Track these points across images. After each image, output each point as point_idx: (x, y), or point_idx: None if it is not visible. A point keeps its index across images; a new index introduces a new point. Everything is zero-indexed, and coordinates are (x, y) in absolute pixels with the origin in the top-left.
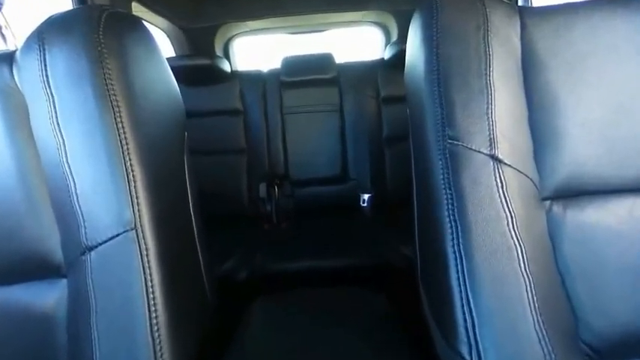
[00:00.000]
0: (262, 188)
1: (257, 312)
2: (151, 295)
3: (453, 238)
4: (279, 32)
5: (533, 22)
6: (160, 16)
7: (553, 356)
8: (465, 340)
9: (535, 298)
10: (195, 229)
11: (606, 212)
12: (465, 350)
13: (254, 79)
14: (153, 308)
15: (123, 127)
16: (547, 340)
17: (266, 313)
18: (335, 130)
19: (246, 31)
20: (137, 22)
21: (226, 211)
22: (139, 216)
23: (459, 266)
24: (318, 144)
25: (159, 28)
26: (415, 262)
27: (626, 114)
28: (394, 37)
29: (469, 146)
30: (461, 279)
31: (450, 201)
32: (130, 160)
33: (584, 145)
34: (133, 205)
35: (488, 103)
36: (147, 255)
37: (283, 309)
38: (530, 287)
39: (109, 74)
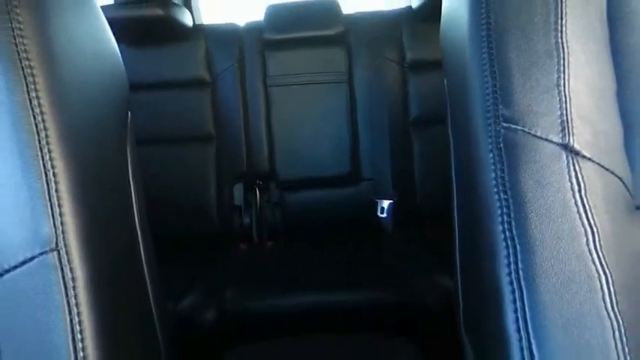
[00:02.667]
0: (238, 192)
1: None
2: (80, 345)
3: (509, 264)
4: None
5: None
6: None
7: None
8: (517, 340)
9: (626, 348)
10: (142, 250)
11: None
12: (516, 352)
13: (227, 36)
14: None
15: (39, 105)
16: (619, 342)
17: None
18: (341, 109)
19: None
20: None
21: (187, 225)
22: (63, 231)
23: (519, 303)
24: (318, 129)
25: None
26: (456, 298)
27: None
28: None
29: (533, 132)
30: (521, 321)
31: (505, 210)
32: (49, 152)
33: None
34: (53, 216)
35: (559, 71)
36: (73, 287)
37: None
38: (620, 332)
39: (20, 32)
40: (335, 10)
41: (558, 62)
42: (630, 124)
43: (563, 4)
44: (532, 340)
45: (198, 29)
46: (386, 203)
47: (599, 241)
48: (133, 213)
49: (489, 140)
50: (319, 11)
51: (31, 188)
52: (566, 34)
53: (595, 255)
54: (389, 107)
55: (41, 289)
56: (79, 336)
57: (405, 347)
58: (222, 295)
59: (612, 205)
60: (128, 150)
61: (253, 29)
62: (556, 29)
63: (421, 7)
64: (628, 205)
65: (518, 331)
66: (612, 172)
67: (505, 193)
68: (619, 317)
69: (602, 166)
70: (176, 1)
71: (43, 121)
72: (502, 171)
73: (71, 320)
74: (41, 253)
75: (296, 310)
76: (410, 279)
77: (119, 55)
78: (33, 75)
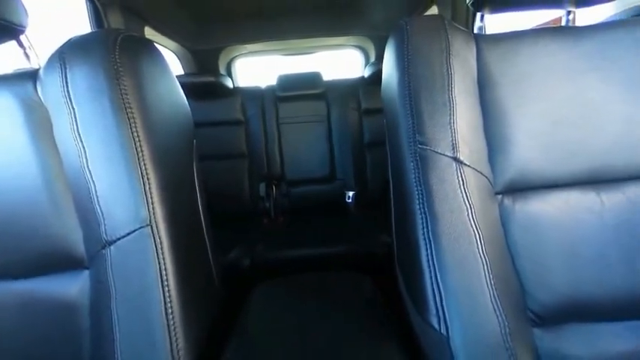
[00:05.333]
0: (262, 188)
1: (259, 296)
2: (165, 283)
3: (423, 227)
4: (274, 54)
5: (487, 47)
6: (169, 39)
7: (506, 323)
8: (435, 312)
9: (491, 276)
10: (203, 224)
11: (547, 203)
12: (434, 322)
13: (253, 94)
14: (167, 294)
15: (138, 135)
16: (501, 309)
17: (267, 296)
18: (323, 137)
19: (246, 53)
20: (149, 43)
21: (231, 208)
22: (154, 214)
23: (429, 250)
24: (310, 149)
25: (169, 49)
26: (393, 248)
27: (560, 125)
28: (372, 58)
29: (436, 150)
30: (430, 261)
31: (420, 196)
32: (144, 164)
33: (528, 149)
34: (147, 204)
35: (450, 114)
36: (161, 248)
37: (281, 292)
38: (487, 266)
39: (125, 90)
40: (319, 78)
41: (450, 109)
42: (491, 145)
43: (452, 76)
44: (437, 272)
45: (236, 89)
46: (351, 193)
47: (475, 213)
48: (198, 201)
49: (411, 156)
50: (309, 79)
51: (133, 186)
52: (454, 93)
53: (472, 222)
54: (352, 136)
55: (141, 250)
56: (165, 278)
57: (363, 279)
58: (253, 250)
59: (481, 192)
60: (194, 164)
61: (269, 89)
62: (448, 90)
63: (370, 76)
64: (490, 192)
65: (429, 266)
66: (481, 173)
67: (420, 186)
68: (486, 257)
69: (476, 170)
70: (222, 72)
71: (140, 145)
72: (418, 174)
73: (160, 269)
74: (140, 227)
75: (298, 258)
76: (365, 238)
77: (187, 105)
78: (133, 117)
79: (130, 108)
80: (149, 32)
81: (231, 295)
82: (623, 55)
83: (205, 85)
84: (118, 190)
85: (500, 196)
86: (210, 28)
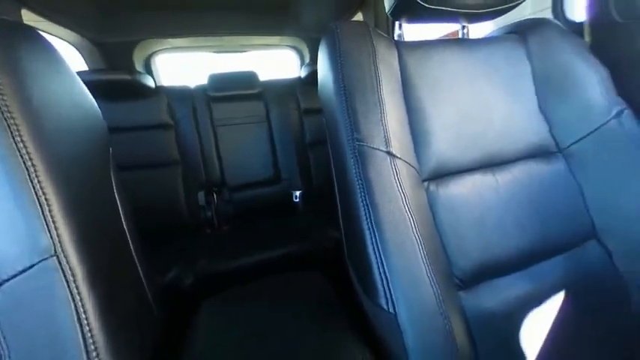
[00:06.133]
0: (201, 196)
1: (206, 312)
2: (85, 322)
3: (366, 218)
4: (203, 50)
5: (406, 52)
6: (64, 28)
7: (439, 292)
8: (383, 294)
9: (425, 253)
10: (131, 245)
11: (460, 186)
12: (383, 303)
13: (182, 94)
14: (88, 335)
15: (25, 147)
16: (434, 281)
17: (214, 312)
18: (265, 138)
19: (168, 48)
20: (31, 32)
21: (167, 222)
22: (59, 241)
23: (373, 238)
24: (251, 151)
25: (65, 40)
26: (342, 241)
27: (464, 120)
28: (307, 59)
29: (372, 146)
30: (375, 248)
31: (362, 189)
32: (39, 182)
33: (445, 141)
34: (49, 230)
35: (381, 113)
36: (74, 281)
37: (230, 305)
38: (421, 246)
39: (1, 91)
40: (254, 77)
41: (380, 108)
42: (416, 139)
43: (380, 78)
44: (382, 257)
45: (160, 89)
46: (298, 193)
47: (408, 200)
48: (121, 219)
49: (350, 152)
50: (244, 78)
51: (24, 211)
52: (383, 93)
53: (407, 208)
54: (294, 136)
55: (46, 287)
56: (83, 317)
57: (314, 276)
58: (196, 264)
59: (412, 181)
60: (112, 174)
61: (200, 89)
62: (377, 90)
63: (306, 77)
64: (418, 180)
65: (375, 252)
66: (410, 164)
67: (361, 179)
68: (420, 238)
69: (405, 161)
70: (140, 70)
71: (31, 159)
72: (359, 168)
73: (75, 307)
74: (41, 260)
75: (247, 266)
76: (315, 235)
77: (96, 107)
78: (16, 124)
79: (10, 113)
80: (29, 17)
81: (177, 316)
82: (502, 64)
83: (119, 83)
84: (3, 216)
85: (426, 183)
86: (119, 19)
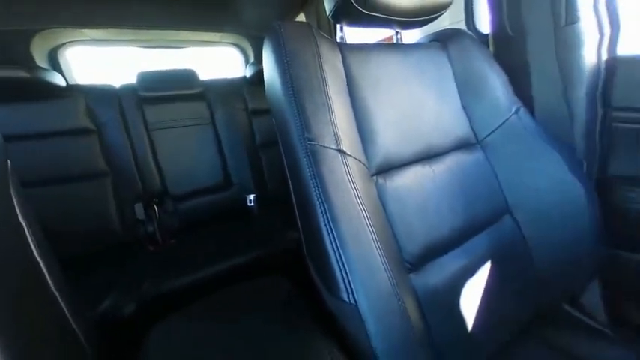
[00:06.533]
0: (139, 210)
1: (156, 339)
2: None
3: (322, 214)
4: (128, 45)
5: (349, 54)
6: None
7: (393, 277)
8: (343, 287)
9: (378, 243)
10: (48, 277)
11: (404, 178)
12: (345, 296)
13: (104, 94)
14: None
15: None
16: (389, 268)
17: (166, 336)
18: (210, 141)
19: (82, 41)
20: None
21: (97, 243)
22: None
23: (331, 234)
24: (196, 156)
25: None
26: (301, 240)
27: (404, 118)
28: (252, 58)
29: (323, 145)
30: (333, 243)
31: (316, 187)
32: None
33: (388, 139)
34: None
35: (329, 112)
36: None
37: (187, 324)
38: (375, 236)
39: None
40: (193, 76)
41: (329, 108)
42: (363, 137)
43: (326, 78)
44: (340, 250)
45: (74, 89)
46: (252, 197)
47: (360, 194)
48: (30, 245)
49: (303, 152)
50: (181, 77)
51: None
52: (330, 93)
53: (359, 202)
54: (243, 138)
55: None
56: None
57: (275, 279)
58: (140, 287)
59: (362, 176)
60: (13, 193)
61: (128, 89)
62: (324, 90)
63: (252, 76)
64: (368, 175)
65: (333, 247)
66: (359, 161)
67: (315, 179)
68: (374, 229)
69: (355, 158)
70: (42, 65)
71: None
72: (312, 167)
73: None
74: None
75: (199, 280)
76: (274, 237)
77: None
78: None
79: None
80: None
81: (121, 351)
82: (430, 68)
83: (15, 81)
84: None
85: (375, 178)
86: (9, 2)
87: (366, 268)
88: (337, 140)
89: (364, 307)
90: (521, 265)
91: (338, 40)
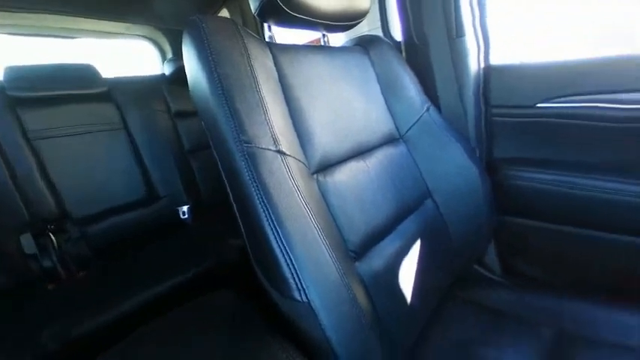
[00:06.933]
0: (27, 241)
1: None
2: None
3: (266, 216)
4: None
5: (280, 54)
6: None
7: (340, 267)
8: (295, 286)
9: (324, 237)
10: None
11: (342, 174)
12: (297, 295)
13: None
14: None
15: None
16: (336, 260)
17: None
18: (125, 150)
19: None
20: None
21: None
22: None
23: (277, 234)
24: (107, 168)
25: None
26: (246, 246)
27: (337, 116)
28: (169, 53)
29: (260, 146)
30: (281, 244)
31: (257, 190)
32: None
33: (324, 137)
34: None
35: (264, 112)
36: None
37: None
38: (320, 232)
39: None
40: (92, 72)
41: (263, 108)
42: (300, 137)
43: (257, 78)
44: (289, 251)
45: None
46: (185, 208)
47: (302, 193)
48: None
49: (240, 155)
50: (74, 73)
51: None
52: (263, 93)
53: (302, 201)
54: (169, 144)
55: None
56: None
57: (225, 293)
58: (38, 338)
59: (303, 175)
60: None
61: None
62: (257, 90)
63: (172, 74)
64: (308, 174)
65: (280, 249)
66: (299, 160)
67: (255, 182)
68: (318, 225)
69: (295, 158)
70: None
71: None
72: (251, 170)
73: None
74: None
75: (128, 312)
76: (215, 248)
77: None
78: None
79: None
80: None
81: None
82: (355, 70)
83: None
84: None
85: (315, 175)
86: None
87: (315, 264)
88: (275, 141)
89: (316, 302)
90: (441, 239)
91: (267, 40)
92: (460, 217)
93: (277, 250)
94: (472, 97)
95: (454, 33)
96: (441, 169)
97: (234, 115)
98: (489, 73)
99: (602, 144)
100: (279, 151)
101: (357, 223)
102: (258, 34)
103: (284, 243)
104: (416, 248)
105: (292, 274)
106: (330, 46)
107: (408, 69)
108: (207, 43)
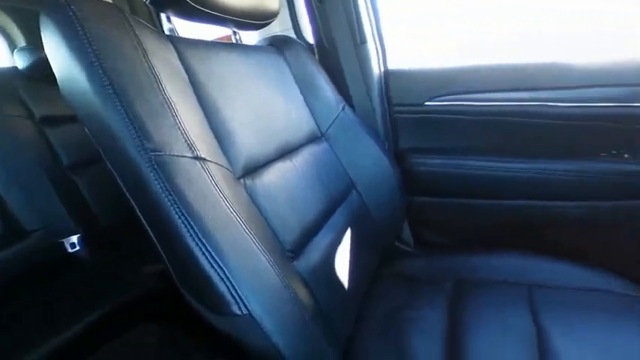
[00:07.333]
0: None
1: None
2: None
3: (190, 233)
4: None
5: (186, 50)
6: None
7: (279, 270)
8: (233, 302)
9: (259, 243)
10: None
11: (271, 175)
12: (235, 309)
13: None
14: None
15: None
16: (272, 262)
17: None
18: None
19: None
20: None
21: None
22: None
23: (206, 250)
24: None
25: None
26: (169, 269)
27: (258, 116)
28: (21, 41)
29: (173, 154)
30: (210, 258)
31: (174, 205)
32: None
33: (247, 139)
34: None
35: (173, 115)
36: None
37: None
38: (254, 238)
39: None
40: None
41: (170, 110)
42: (220, 139)
43: (159, 76)
44: (222, 265)
45: None
46: (74, 239)
47: (229, 201)
48: None
49: (147, 166)
50: None
51: None
52: (167, 92)
53: (231, 209)
54: (39, 159)
55: None
56: None
57: (148, 327)
58: None
59: (228, 182)
60: None
61: None
62: (160, 90)
63: (30, 68)
64: (234, 179)
65: (211, 264)
66: (222, 165)
67: (170, 195)
68: (251, 231)
69: (217, 163)
70: None
71: None
72: (164, 182)
73: None
74: None
75: None
76: (126, 278)
77: None
78: None
79: None
80: None
81: None
82: (271, 70)
83: None
84: None
85: (242, 180)
86: None
87: (252, 273)
88: (191, 146)
89: (258, 311)
90: (367, 225)
91: (167, 33)
92: (379, 202)
93: (208, 267)
94: (377, 97)
95: (358, 39)
96: (359, 162)
97: (133, 119)
98: (388, 76)
99: (477, 132)
100: (198, 158)
101: (291, 222)
102: (155, 26)
103: (215, 257)
104: (347, 237)
105: (228, 289)
106: (244, 45)
107: (322, 70)
108: (83, 30)
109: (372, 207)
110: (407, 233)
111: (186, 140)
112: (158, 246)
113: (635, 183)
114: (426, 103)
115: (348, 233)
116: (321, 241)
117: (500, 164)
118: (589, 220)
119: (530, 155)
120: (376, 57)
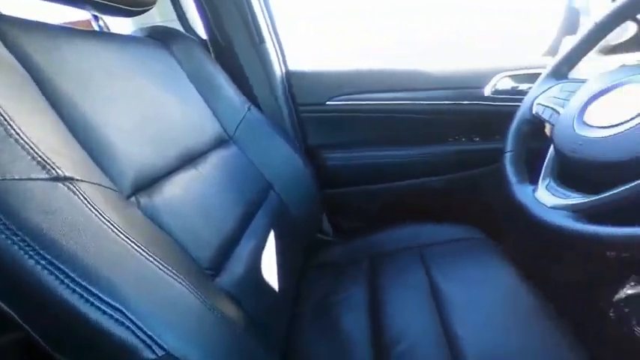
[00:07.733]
0: None
1: None
2: None
3: (62, 280)
4: None
5: (20, 34)
6: None
7: (198, 292)
8: (142, 344)
9: (169, 268)
10: None
11: (174, 187)
12: (148, 353)
13: None
14: None
15: None
16: (189, 285)
17: None
18: None
19: None
20: None
21: None
22: None
23: (90, 295)
24: None
25: None
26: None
27: (146, 122)
28: None
29: (15, 177)
30: (101, 303)
31: (29, 245)
32: None
33: (133, 147)
34: None
35: (3, 124)
36: None
37: None
38: (159, 262)
39: None
40: None
41: (0, 119)
42: (92, 151)
43: None
44: (120, 307)
45: None
46: None
47: (119, 227)
48: None
49: None
50: None
51: None
52: None
53: (123, 236)
54: None
55: None
56: None
57: None
58: None
59: (114, 204)
60: None
61: None
62: None
63: None
64: (122, 200)
65: (103, 311)
66: (101, 185)
67: (19, 232)
68: (153, 256)
69: (92, 183)
70: None
71: None
72: (6, 218)
73: None
74: None
75: None
76: None
77: None
78: None
79: None
80: None
81: None
82: (156, 66)
83: None
84: None
85: (133, 198)
86: None
87: (164, 304)
88: (46, 164)
89: (179, 346)
90: (289, 223)
91: None
92: (297, 199)
93: (98, 315)
94: (282, 97)
95: (256, 39)
96: (273, 162)
97: None
98: (290, 76)
99: (371, 127)
100: (60, 178)
101: (205, 236)
102: None
103: (105, 300)
104: (271, 239)
105: (133, 331)
106: (112, 33)
107: (219, 68)
108: None
109: (291, 205)
110: (326, 224)
111: (34, 157)
112: (10, 311)
113: (483, 156)
114: (327, 103)
115: (272, 235)
116: (243, 249)
117: (389, 152)
118: (450, 188)
119: (408, 144)
120: (276, 57)
